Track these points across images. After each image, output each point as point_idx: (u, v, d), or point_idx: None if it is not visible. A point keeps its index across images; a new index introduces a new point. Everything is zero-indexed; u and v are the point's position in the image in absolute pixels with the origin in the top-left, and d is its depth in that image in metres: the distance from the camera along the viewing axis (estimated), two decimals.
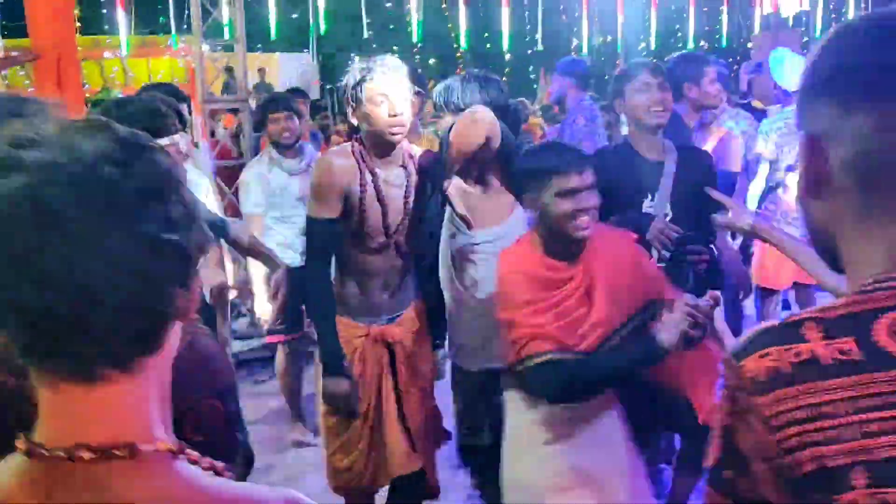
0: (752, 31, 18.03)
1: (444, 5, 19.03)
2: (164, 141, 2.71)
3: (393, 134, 2.97)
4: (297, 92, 7.42)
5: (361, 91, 2.98)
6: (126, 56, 15.81)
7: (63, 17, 5.93)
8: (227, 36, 9.02)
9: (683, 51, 17.34)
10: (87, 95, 12.03)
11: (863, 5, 17.50)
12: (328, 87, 21.46)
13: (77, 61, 6.24)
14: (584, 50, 19.07)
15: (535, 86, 18.48)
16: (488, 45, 19.86)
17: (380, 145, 3.04)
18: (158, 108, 2.83)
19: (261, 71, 17.15)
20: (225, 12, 8.76)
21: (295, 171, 4.75)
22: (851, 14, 19.32)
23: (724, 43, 20.25)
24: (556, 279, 2.66)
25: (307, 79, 19.65)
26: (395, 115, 2.94)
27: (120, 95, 12.13)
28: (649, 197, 3.26)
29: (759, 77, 6.29)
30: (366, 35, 18.94)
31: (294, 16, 19.83)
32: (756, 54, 14.23)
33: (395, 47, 22.68)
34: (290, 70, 19.71)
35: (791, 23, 17.00)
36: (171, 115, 2.86)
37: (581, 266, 2.68)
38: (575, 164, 2.61)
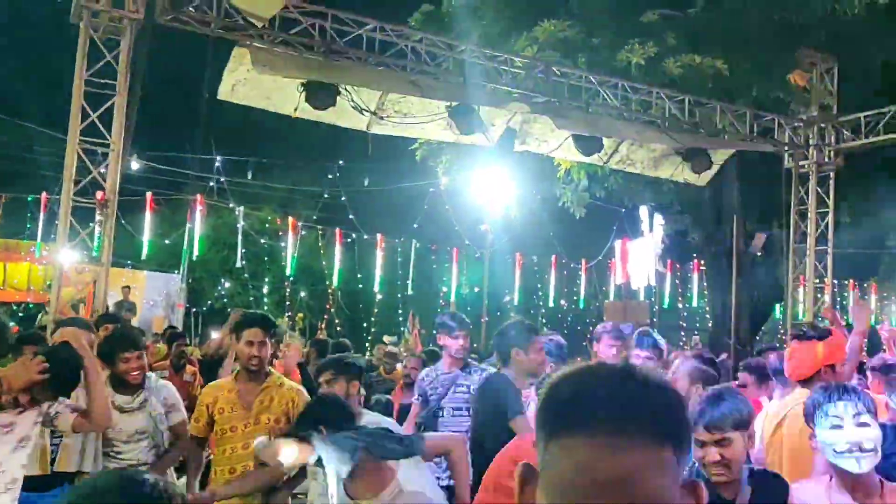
0: (607, 297, 19.34)
1: (319, 244, 19.59)
2: None
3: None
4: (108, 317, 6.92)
5: None
6: None
7: None
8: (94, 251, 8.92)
9: (542, 308, 18.01)
10: None
11: (704, 285, 19.14)
12: (194, 310, 21.25)
13: None
14: (452, 298, 19.85)
15: (402, 328, 18.83)
16: (360, 285, 20.35)
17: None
18: None
19: (125, 288, 16.84)
20: (97, 229, 8.72)
21: (126, 409, 4.45)
22: (695, 292, 21.15)
23: (581, 305, 21.55)
24: None
25: (172, 300, 19.38)
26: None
27: None
28: None
29: None
30: (239, 264, 19.09)
31: (167, 241, 19.91)
32: (607, 319, 15.09)
33: (266, 278, 23.01)
34: (155, 290, 19.42)
35: (641, 295, 18.32)
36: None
37: None
38: None
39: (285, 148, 22.73)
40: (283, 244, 18.88)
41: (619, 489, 0.91)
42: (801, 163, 13.23)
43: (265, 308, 20.83)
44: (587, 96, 11.35)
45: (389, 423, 3.75)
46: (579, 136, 10.94)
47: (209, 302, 23.09)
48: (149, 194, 15.74)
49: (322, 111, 9.51)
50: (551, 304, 21.35)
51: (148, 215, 15.85)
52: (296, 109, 9.66)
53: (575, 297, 22.07)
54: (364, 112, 9.91)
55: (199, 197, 17.42)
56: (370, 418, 3.70)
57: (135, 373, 4.44)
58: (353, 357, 4.75)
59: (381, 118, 10.15)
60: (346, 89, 9.55)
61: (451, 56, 10.54)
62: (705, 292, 21.25)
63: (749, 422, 2.92)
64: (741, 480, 2.93)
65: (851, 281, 21.51)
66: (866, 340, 5.77)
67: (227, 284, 23.30)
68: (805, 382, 3.84)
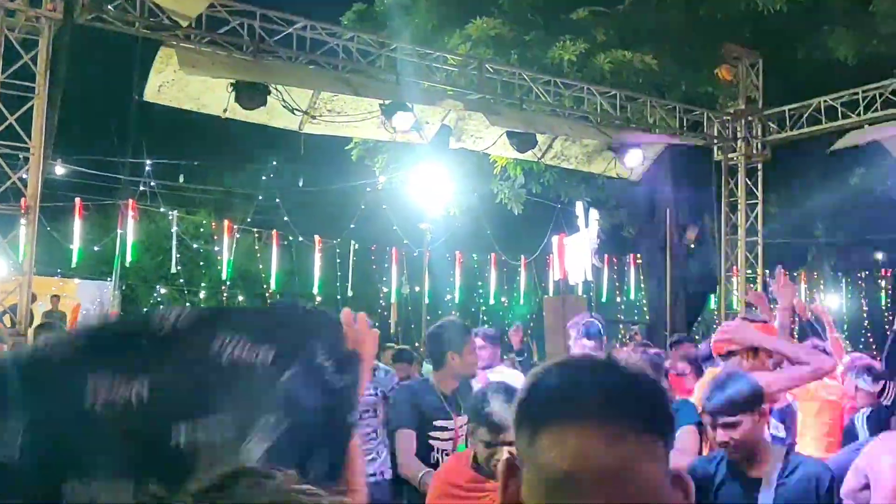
0: (546, 293, 19.50)
1: (256, 247, 19.32)
2: None
3: None
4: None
5: None
6: None
7: None
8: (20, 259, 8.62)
9: (483, 305, 18.03)
10: None
11: (640, 278, 19.44)
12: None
13: None
14: (393, 299, 19.79)
15: None
16: (298, 288, 20.13)
17: None
18: None
19: (54, 298, 16.34)
20: (22, 234, 8.40)
21: None
22: (632, 285, 21.47)
23: (521, 301, 21.69)
24: None
25: (106, 308, 18.89)
26: None
27: None
28: None
29: None
30: (174, 269, 18.70)
31: (96, 248, 19.40)
32: (546, 314, 15.22)
33: (202, 283, 22.62)
34: (88, 298, 18.90)
35: (580, 290, 18.50)
36: None
37: None
38: None
39: (218, 150, 22.35)
40: (217, 248, 18.55)
41: (615, 478, 0.91)
42: (729, 155, 13.52)
43: None
44: (520, 93, 11.41)
45: None
46: (513, 132, 10.99)
47: (144, 309, 22.58)
48: (77, 200, 15.29)
49: (252, 111, 9.36)
50: (492, 301, 21.43)
51: (77, 222, 15.40)
52: (225, 111, 9.49)
53: (514, 294, 22.19)
54: (296, 112, 9.79)
55: (130, 202, 17.00)
56: None
57: None
58: None
59: (314, 118, 10.04)
60: (276, 89, 9.41)
61: (384, 54, 10.47)
62: (642, 286, 21.63)
63: (757, 403, 3.02)
64: (770, 459, 3.03)
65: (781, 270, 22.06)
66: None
67: (163, 291, 22.83)
68: (725, 357, 3.92)
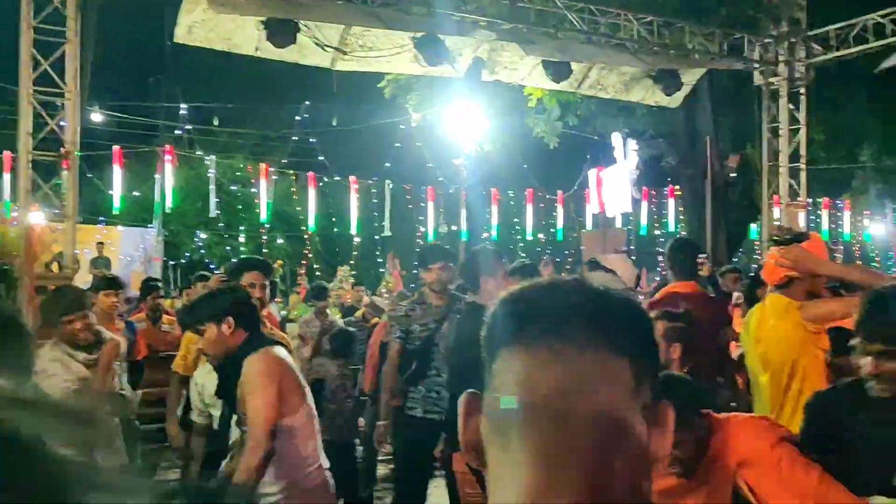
0: (584, 227, 19.35)
1: (293, 189, 19.37)
2: None
3: None
4: None
5: None
6: None
7: None
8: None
9: (521, 242, 17.97)
10: None
11: (680, 209, 19.19)
12: (172, 263, 21.06)
13: None
14: (430, 237, 19.78)
15: (381, 269, 18.80)
16: (336, 229, 20.21)
17: None
18: None
19: (99, 245, 16.62)
20: (64, 181, 8.51)
21: (91, 364, 4.44)
22: (671, 218, 21.21)
23: (559, 237, 21.55)
24: None
25: (149, 255, 19.19)
26: None
27: None
28: None
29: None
30: (213, 213, 18.85)
31: (136, 193, 19.60)
32: (586, 249, 15.13)
33: (241, 227, 22.81)
34: (131, 245, 19.21)
35: (618, 222, 18.32)
36: None
37: None
38: None
39: (251, 92, 22.29)
40: (255, 191, 18.62)
41: (559, 400, 0.83)
42: (771, 80, 13.13)
43: (243, 256, 20.73)
44: (555, 21, 11.14)
45: None
46: (549, 62, 10.77)
47: (187, 254, 22.90)
48: (116, 148, 15.40)
49: (284, 50, 9.27)
50: (529, 237, 21.32)
51: (117, 169, 15.54)
52: (257, 49, 9.41)
53: (552, 230, 22.05)
54: (327, 49, 9.67)
55: (167, 147, 17.07)
56: None
57: (81, 334, 4.40)
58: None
59: (345, 54, 9.92)
60: (306, 26, 9.30)
61: None
62: (681, 218, 21.33)
63: None
64: None
65: (826, 199, 21.61)
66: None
67: (204, 236, 23.08)
68: (782, 287, 3.74)
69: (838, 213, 22.02)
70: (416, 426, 4.92)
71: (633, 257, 15.76)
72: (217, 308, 3.40)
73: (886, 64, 11.26)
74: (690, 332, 3.67)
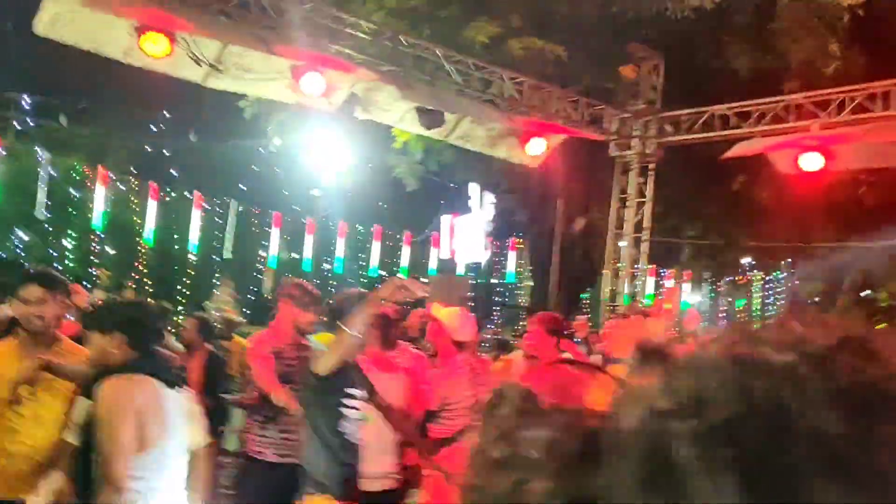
0: (428, 269, 19.53)
1: (134, 199, 18.37)
2: None
3: None
4: None
5: None
6: None
7: None
8: None
9: (364, 276, 17.86)
10: None
11: (520, 263, 19.80)
12: None
13: None
14: (271, 263, 19.26)
15: (215, 290, 18.09)
16: (176, 246, 19.30)
17: None
18: None
19: None
20: None
21: None
22: (511, 267, 21.83)
23: (405, 275, 21.61)
24: None
25: None
26: None
27: None
28: None
29: None
30: (39, 214, 17.50)
31: None
32: (431, 291, 15.24)
33: (70, 231, 21.32)
34: None
35: (460, 270, 18.61)
36: None
37: None
38: None
39: (105, 90, 20.94)
40: (90, 193, 17.45)
41: None
42: (624, 153, 13.85)
43: (68, 262, 19.42)
44: (431, 69, 11.26)
45: None
46: (423, 108, 10.85)
47: (2, 254, 21.09)
48: None
49: (155, 59, 8.81)
50: (373, 273, 21.27)
51: None
52: (125, 55, 8.89)
53: (394, 269, 22.09)
54: (202, 63, 9.28)
55: None
56: None
57: None
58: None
59: (220, 72, 9.54)
60: (182, 38, 8.89)
61: (299, 13, 10.07)
62: (520, 270, 22.02)
63: None
64: None
65: (653, 267, 22.94)
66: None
67: (25, 237, 21.34)
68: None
69: (661, 282, 23.47)
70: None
71: (472, 303, 16.07)
72: None
73: (730, 154, 12.13)
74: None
